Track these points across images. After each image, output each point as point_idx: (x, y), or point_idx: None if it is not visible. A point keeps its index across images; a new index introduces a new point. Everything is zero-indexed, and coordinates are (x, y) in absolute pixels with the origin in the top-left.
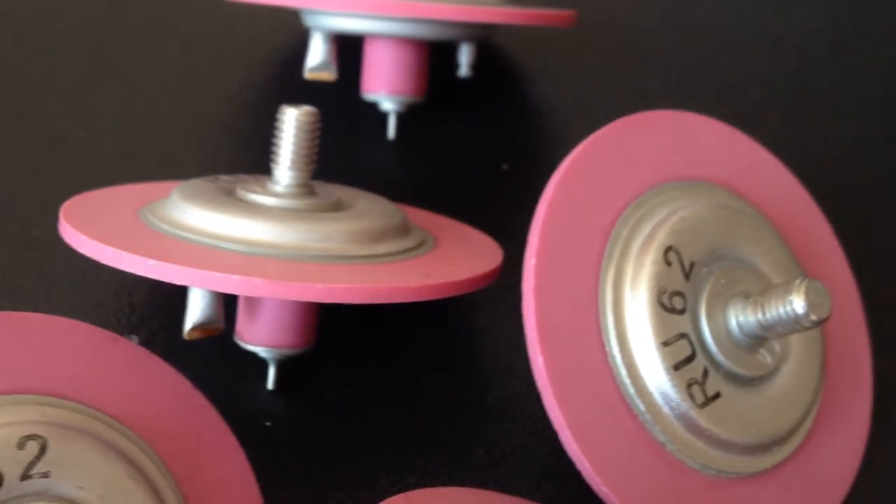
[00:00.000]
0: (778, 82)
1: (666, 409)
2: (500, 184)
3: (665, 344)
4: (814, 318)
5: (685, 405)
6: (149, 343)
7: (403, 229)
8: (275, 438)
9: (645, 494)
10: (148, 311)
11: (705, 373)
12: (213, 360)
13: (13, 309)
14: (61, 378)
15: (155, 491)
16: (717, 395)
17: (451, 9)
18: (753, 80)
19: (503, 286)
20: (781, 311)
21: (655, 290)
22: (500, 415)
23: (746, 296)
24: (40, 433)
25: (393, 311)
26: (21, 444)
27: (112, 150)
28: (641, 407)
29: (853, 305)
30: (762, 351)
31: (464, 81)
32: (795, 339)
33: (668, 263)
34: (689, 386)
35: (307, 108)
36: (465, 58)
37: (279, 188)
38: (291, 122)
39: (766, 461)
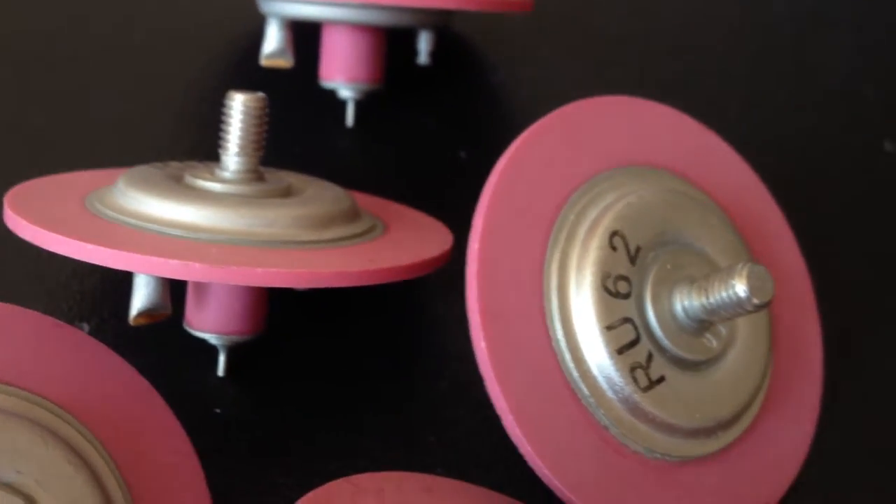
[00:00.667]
0: (739, 70)
1: (609, 393)
2: (458, 171)
3: (609, 328)
4: (756, 301)
5: (628, 389)
6: (99, 330)
7: (352, 215)
8: (224, 425)
9: (588, 478)
10: (99, 298)
11: (649, 357)
12: (164, 347)
13: None
14: (2, 363)
15: (95, 476)
16: (661, 379)
17: None
18: (714, 68)
19: (457, 273)
20: (724, 294)
21: (600, 275)
22: (451, 401)
23: (692, 280)
24: None
25: (345, 298)
26: None
27: (69, 136)
28: (585, 391)
29: (804, 291)
30: (708, 335)
31: (423, 69)
32: (742, 324)
33: (614, 248)
34: (633, 370)
35: (255, 94)
36: (424, 45)
37: (227, 174)
38: (239, 107)
39: (712, 445)
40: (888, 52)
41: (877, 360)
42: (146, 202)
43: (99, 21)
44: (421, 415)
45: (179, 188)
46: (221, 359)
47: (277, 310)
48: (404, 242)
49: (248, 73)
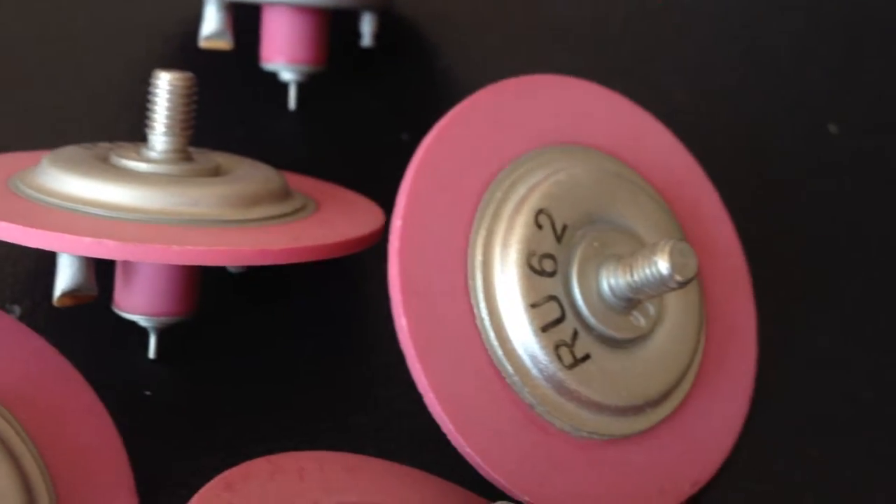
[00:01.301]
0: (685, 53)
1: (534, 371)
2: (400, 154)
3: (534, 306)
4: (678, 278)
5: (553, 366)
6: (32, 313)
7: (282, 195)
8: (154, 407)
9: (512, 456)
10: (31, 281)
11: (575, 334)
12: (96, 330)
13: None
14: None
15: (12, 456)
16: (586, 357)
17: None
18: (663, 51)
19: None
20: (648, 272)
21: (525, 253)
22: (382, 381)
23: (619, 258)
24: None
25: (279, 280)
26: None
27: (9, 118)
28: (510, 369)
29: (738, 272)
30: (635, 313)
31: (366, 52)
32: (672, 303)
33: (539, 226)
34: (557, 347)
35: (182, 73)
36: (367, 27)
37: (153, 154)
38: (165, 86)
39: (641, 423)
40: (834, 36)
41: (810, 339)
42: (68, 181)
43: (45, 4)
44: (352, 395)
45: (103, 167)
46: (152, 341)
47: (212, 292)
48: (333, 222)
49: (189, 57)
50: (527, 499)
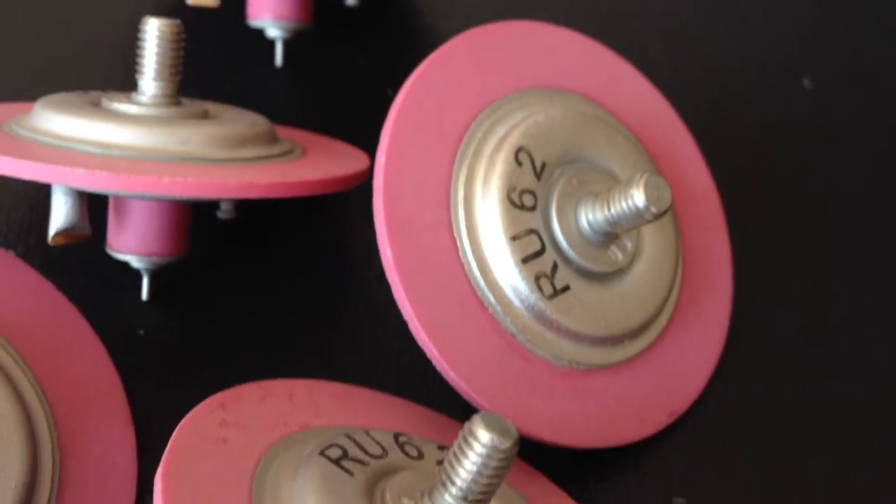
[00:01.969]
0: (660, 7)
1: (516, 302)
2: (384, 109)
3: (514, 238)
4: (654, 210)
5: (534, 296)
6: (26, 258)
7: (269, 138)
8: (148, 346)
9: (494, 381)
10: (25, 227)
11: (554, 266)
12: (89, 274)
13: None
14: None
15: (10, 381)
16: (566, 288)
17: None
18: (640, 7)
19: None
20: (624, 205)
21: (505, 188)
22: (370, 323)
23: (597, 195)
24: None
25: (265, 225)
26: None
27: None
28: (492, 299)
29: (714, 213)
30: (613, 248)
31: (351, 9)
32: (649, 240)
33: (519, 163)
34: (538, 278)
35: (169, 19)
36: None
37: (144, 98)
38: (154, 31)
39: (619, 354)
40: None
41: (783, 279)
42: (61, 121)
43: None
44: (340, 336)
45: (95, 110)
46: (145, 282)
47: (202, 238)
48: (319, 163)
49: (176, 15)
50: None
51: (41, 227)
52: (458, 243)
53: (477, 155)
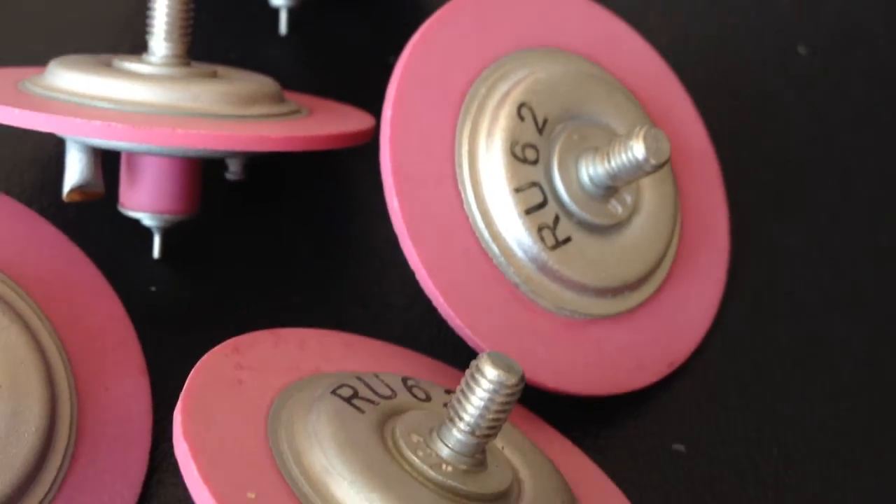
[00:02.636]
0: None
1: (519, 253)
2: (386, 77)
3: (517, 190)
4: (653, 161)
5: (536, 247)
6: None
7: (277, 98)
8: (159, 301)
9: (499, 329)
10: (38, 188)
11: (556, 219)
12: (101, 234)
13: None
14: None
15: (29, 330)
16: (567, 240)
17: None
18: None
19: None
20: (624, 157)
21: (508, 142)
22: (375, 279)
23: (597, 149)
24: None
25: (272, 186)
26: None
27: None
28: (496, 250)
29: (710, 171)
30: (613, 202)
31: None
32: (648, 195)
33: (522, 118)
34: (541, 230)
35: None
36: None
37: (155, 58)
38: None
39: (619, 305)
40: None
41: (779, 237)
42: (75, 78)
43: None
44: (347, 293)
45: (108, 69)
46: (156, 240)
47: (211, 198)
48: (326, 121)
49: None
50: None
51: (54, 189)
52: (463, 195)
53: (480, 110)
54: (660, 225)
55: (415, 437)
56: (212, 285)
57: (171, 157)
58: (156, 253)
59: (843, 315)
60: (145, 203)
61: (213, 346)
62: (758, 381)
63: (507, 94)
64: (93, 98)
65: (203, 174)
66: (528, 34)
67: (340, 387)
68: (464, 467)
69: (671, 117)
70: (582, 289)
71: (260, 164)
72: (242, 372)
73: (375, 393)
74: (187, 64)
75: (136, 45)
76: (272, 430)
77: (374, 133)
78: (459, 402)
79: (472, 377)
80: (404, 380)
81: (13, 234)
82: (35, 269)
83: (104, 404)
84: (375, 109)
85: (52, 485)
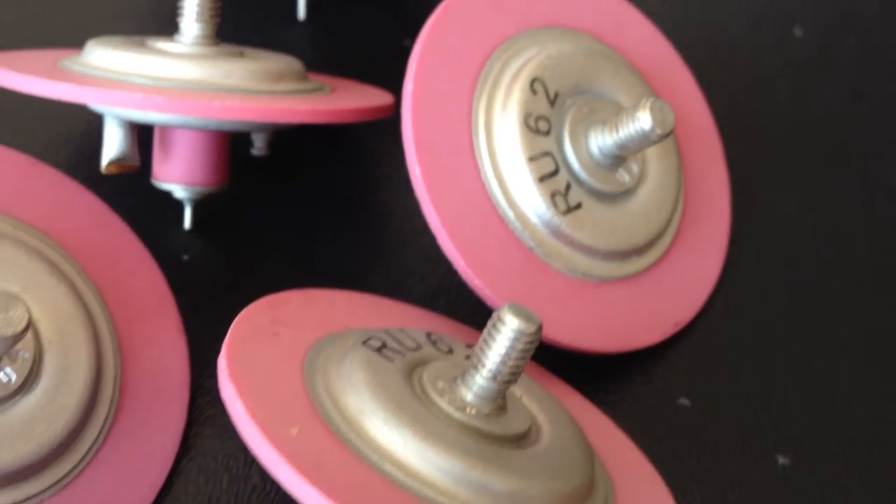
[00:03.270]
0: None
1: (533, 218)
2: (403, 59)
3: (531, 159)
4: (658, 131)
5: (550, 212)
6: None
7: (302, 76)
8: (193, 269)
9: (516, 290)
10: (73, 164)
11: (568, 186)
12: (135, 205)
13: None
14: None
15: (75, 290)
16: (578, 205)
17: None
18: None
19: (401, 139)
20: (631, 127)
21: (522, 114)
22: (396, 247)
23: (605, 121)
24: None
25: (296, 159)
26: None
27: (40, 32)
28: (511, 215)
29: (713, 145)
30: (621, 171)
31: None
32: (654, 165)
33: (535, 92)
34: (553, 196)
35: None
36: None
37: (185, 39)
38: None
39: (628, 268)
40: None
41: (777, 205)
42: (113, 56)
43: None
44: (368, 260)
45: (143, 48)
46: (187, 211)
47: (239, 173)
48: (349, 97)
49: None
50: None
51: (88, 165)
52: (480, 165)
53: (495, 84)
54: (665, 193)
55: (440, 384)
56: (240, 254)
57: (203, 130)
58: (187, 223)
59: (837, 273)
60: (177, 175)
61: (242, 306)
62: (758, 339)
63: (520, 69)
64: (130, 74)
65: (230, 146)
66: (539, 14)
67: (370, 339)
68: (486, 411)
69: (676, 94)
70: (592, 252)
71: (284, 141)
72: (278, 326)
73: (402, 345)
74: (216, 44)
75: (162, 33)
76: (308, 376)
77: (393, 110)
78: (482, 350)
79: (494, 327)
80: (428, 334)
81: (58, 203)
82: (79, 235)
83: (145, 361)
84: (392, 90)
85: (98, 433)
